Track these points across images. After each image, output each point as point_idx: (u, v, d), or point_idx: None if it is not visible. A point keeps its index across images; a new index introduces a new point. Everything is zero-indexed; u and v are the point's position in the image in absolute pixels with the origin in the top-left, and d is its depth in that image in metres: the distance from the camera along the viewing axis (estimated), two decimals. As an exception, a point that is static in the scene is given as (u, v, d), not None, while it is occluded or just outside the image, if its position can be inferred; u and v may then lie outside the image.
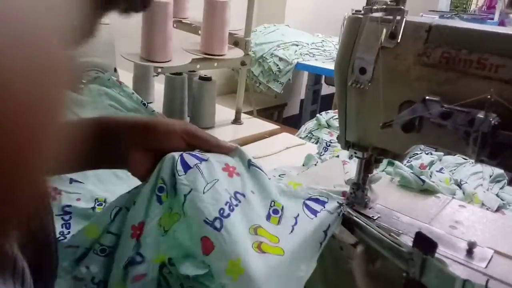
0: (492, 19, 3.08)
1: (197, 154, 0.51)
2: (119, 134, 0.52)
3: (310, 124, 1.52)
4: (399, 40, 0.49)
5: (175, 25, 1.21)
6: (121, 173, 0.78)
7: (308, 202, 0.55)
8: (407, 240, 0.55)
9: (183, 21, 1.21)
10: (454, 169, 1.04)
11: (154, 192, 0.49)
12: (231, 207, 0.48)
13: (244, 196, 0.50)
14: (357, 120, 0.57)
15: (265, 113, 2.75)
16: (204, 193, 0.47)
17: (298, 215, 0.52)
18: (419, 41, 0.47)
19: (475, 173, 1.01)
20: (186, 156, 0.50)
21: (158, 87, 1.27)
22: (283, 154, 1.11)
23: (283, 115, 3.15)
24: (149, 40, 0.94)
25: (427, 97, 0.46)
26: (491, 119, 0.40)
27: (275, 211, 0.52)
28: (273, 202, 0.52)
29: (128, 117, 0.56)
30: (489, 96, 0.40)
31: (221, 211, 0.46)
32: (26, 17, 0.15)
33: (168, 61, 0.93)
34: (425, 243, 0.50)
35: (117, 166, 0.58)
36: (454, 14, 3.31)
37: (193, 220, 0.46)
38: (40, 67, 0.16)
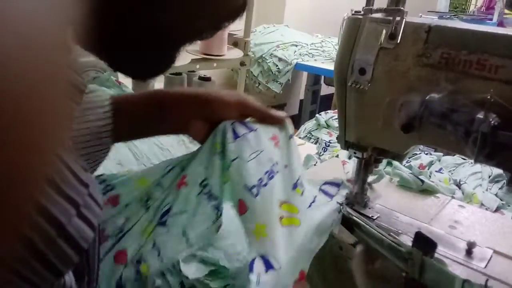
0: (491, 19, 3.09)
1: (247, 124, 0.56)
2: (182, 104, 0.58)
3: (309, 124, 1.52)
4: (398, 41, 0.49)
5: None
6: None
7: (323, 187, 0.60)
8: (407, 240, 0.56)
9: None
10: (453, 169, 1.04)
11: (211, 153, 0.55)
12: (271, 175, 0.52)
13: (282, 167, 0.55)
14: (357, 121, 0.57)
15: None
16: (248, 162, 0.52)
17: (315, 196, 0.56)
18: (418, 42, 0.47)
19: (474, 173, 1.01)
20: (237, 125, 0.55)
21: (158, 87, 1.27)
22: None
23: (282, 115, 3.15)
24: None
25: (426, 98, 0.46)
26: (491, 120, 0.40)
27: (301, 184, 0.55)
28: (299, 177, 0.55)
29: (190, 89, 0.66)
30: (489, 97, 0.40)
31: (260, 180, 0.51)
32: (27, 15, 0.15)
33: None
34: (424, 243, 0.50)
35: (180, 132, 0.64)
36: (453, 15, 3.32)
37: (235, 183, 0.52)
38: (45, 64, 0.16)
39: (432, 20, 0.50)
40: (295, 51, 2.56)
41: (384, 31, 0.50)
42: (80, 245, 0.28)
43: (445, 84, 0.46)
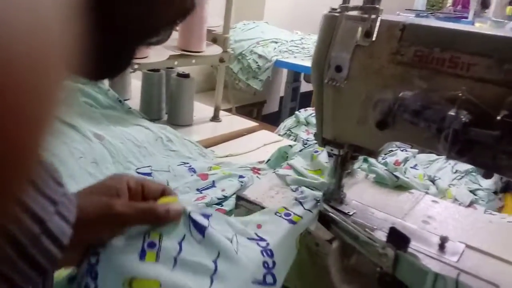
0: (467, 18, 3.15)
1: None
2: None
3: (289, 121, 1.53)
4: (374, 39, 0.49)
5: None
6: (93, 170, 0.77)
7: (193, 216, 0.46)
8: (381, 236, 0.56)
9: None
10: (427, 167, 1.06)
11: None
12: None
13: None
14: (333, 118, 0.58)
15: (244, 110, 2.75)
16: None
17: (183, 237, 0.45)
18: (393, 40, 0.48)
19: (447, 165, 1.03)
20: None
21: (135, 84, 1.25)
22: (261, 151, 1.11)
23: (262, 112, 3.15)
24: (125, 36, 0.92)
25: (400, 95, 0.47)
26: (462, 117, 0.41)
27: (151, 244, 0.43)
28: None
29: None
30: (460, 94, 0.41)
31: None
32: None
33: (145, 57, 0.92)
34: (398, 238, 0.51)
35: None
36: (430, 13, 3.38)
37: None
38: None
39: (407, 18, 0.51)
40: (275, 48, 2.57)
41: (360, 29, 0.51)
42: (62, 242, 0.28)
43: (418, 82, 0.46)
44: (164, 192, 0.49)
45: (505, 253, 0.58)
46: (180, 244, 0.43)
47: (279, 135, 1.37)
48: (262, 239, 0.50)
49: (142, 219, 0.44)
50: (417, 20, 0.48)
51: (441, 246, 0.57)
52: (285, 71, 2.96)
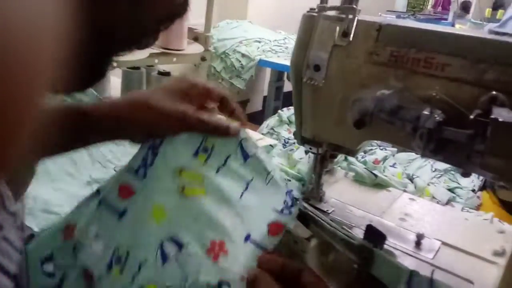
0: (447, 19, 3.21)
1: None
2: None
3: (272, 120, 1.53)
4: (351, 39, 0.50)
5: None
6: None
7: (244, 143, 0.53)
8: (359, 233, 0.57)
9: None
10: (407, 165, 1.08)
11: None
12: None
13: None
14: (312, 117, 0.58)
15: (228, 109, 2.75)
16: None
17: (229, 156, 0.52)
18: (369, 40, 0.48)
19: (426, 164, 1.05)
20: None
21: (116, 82, 1.23)
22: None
23: (246, 111, 3.15)
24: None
25: (377, 95, 0.47)
26: (436, 116, 0.42)
27: (204, 150, 0.51)
28: (202, 142, 0.51)
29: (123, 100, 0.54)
30: (434, 94, 0.42)
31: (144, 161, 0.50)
32: None
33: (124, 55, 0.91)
34: (374, 236, 0.52)
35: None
36: (411, 14, 3.43)
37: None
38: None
39: (384, 18, 0.51)
40: (258, 47, 2.57)
41: (337, 29, 0.51)
42: (9, 270, 0.27)
43: (394, 82, 0.47)
44: (223, 100, 0.55)
45: (479, 250, 0.60)
46: (226, 160, 0.51)
47: (262, 134, 1.37)
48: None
49: (205, 129, 0.51)
50: (394, 20, 0.48)
51: (417, 243, 0.58)
52: (268, 70, 2.96)
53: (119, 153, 0.84)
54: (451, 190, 1.03)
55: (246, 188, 0.51)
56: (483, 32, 0.44)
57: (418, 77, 0.46)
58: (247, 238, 0.50)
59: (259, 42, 2.60)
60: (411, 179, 0.95)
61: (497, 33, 0.43)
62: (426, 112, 0.42)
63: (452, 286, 0.47)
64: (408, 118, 0.45)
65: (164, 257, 0.46)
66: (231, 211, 0.49)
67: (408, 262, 0.54)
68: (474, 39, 0.43)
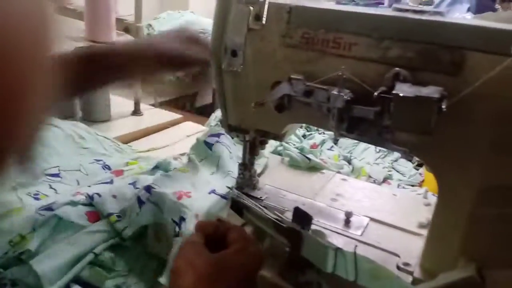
0: (383, 3, 3.30)
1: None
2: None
3: (220, 112, 1.51)
4: (264, 22, 0.49)
5: (58, 11, 1.12)
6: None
7: None
8: (290, 217, 0.57)
9: (67, 6, 1.13)
10: (353, 149, 1.10)
11: None
12: None
13: None
14: (235, 103, 0.57)
15: (177, 103, 2.70)
16: None
17: None
18: (281, 23, 0.48)
19: (367, 149, 1.08)
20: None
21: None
22: (185, 142, 1.09)
23: (195, 104, 3.11)
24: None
25: (291, 77, 0.47)
26: (343, 95, 0.42)
27: None
28: None
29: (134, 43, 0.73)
30: (340, 73, 0.42)
31: None
32: None
33: (47, 50, 0.86)
34: (302, 217, 0.52)
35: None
36: (352, 0, 3.49)
37: None
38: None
39: (295, 0, 0.51)
40: (202, 38, 2.53)
41: (251, 12, 0.50)
42: None
43: (307, 64, 0.47)
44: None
45: (407, 223, 0.62)
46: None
47: (211, 126, 1.35)
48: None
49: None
50: (304, 2, 0.48)
51: (347, 222, 0.59)
52: (215, 61, 2.93)
53: (47, 154, 0.80)
54: (393, 168, 1.06)
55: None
56: (388, 10, 0.45)
57: (328, 58, 0.46)
58: (212, 192, 0.66)
59: (203, 33, 2.56)
60: (349, 161, 0.97)
61: (400, 9, 0.43)
62: (334, 92, 0.42)
63: (373, 260, 0.48)
64: (321, 99, 0.45)
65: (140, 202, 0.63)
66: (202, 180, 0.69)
67: (337, 241, 0.55)
68: (378, 16, 0.44)
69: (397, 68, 0.41)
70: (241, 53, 0.52)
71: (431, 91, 0.37)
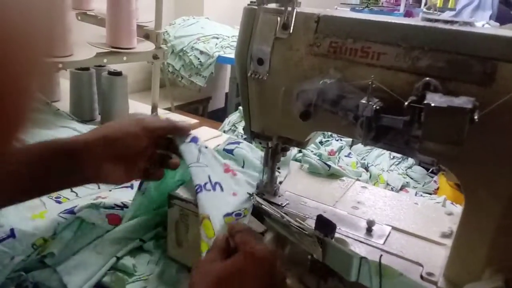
0: (399, 11, 3.30)
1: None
2: (91, 151, 0.54)
3: (233, 117, 1.52)
4: (291, 31, 0.50)
5: (79, 18, 1.14)
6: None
7: None
8: (312, 224, 0.57)
9: (88, 13, 1.14)
10: (366, 155, 1.10)
11: None
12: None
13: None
14: (260, 111, 0.58)
15: (190, 108, 2.71)
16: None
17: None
18: (309, 32, 0.49)
19: (382, 155, 1.07)
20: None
21: (65, 84, 1.19)
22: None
23: (208, 109, 3.13)
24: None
25: (319, 86, 0.48)
26: (373, 104, 0.42)
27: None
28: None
29: (92, 133, 0.58)
30: (370, 82, 0.42)
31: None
32: None
33: (69, 56, 0.87)
34: (325, 226, 0.52)
35: (95, 181, 0.62)
36: (365, 7, 3.50)
37: None
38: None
39: (323, 10, 0.52)
40: (216, 44, 2.54)
41: (278, 21, 0.51)
42: None
43: (334, 72, 0.47)
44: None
45: (429, 232, 0.61)
46: None
47: (224, 131, 1.36)
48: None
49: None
50: (331, 11, 0.49)
51: (369, 230, 0.59)
52: (229, 67, 2.95)
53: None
54: (407, 175, 1.06)
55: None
56: (417, 20, 0.45)
57: (356, 67, 0.46)
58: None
59: (217, 38, 2.58)
60: (366, 168, 0.97)
61: (429, 19, 0.44)
62: (363, 101, 0.42)
63: (398, 269, 0.48)
64: (348, 108, 0.45)
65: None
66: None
67: (359, 249, 0.55)
68: (406, 26, 0.44)
69: (427, 78, 0.41)
70: (267, 62, 0.52)
71: (463, 101, 0.37)
